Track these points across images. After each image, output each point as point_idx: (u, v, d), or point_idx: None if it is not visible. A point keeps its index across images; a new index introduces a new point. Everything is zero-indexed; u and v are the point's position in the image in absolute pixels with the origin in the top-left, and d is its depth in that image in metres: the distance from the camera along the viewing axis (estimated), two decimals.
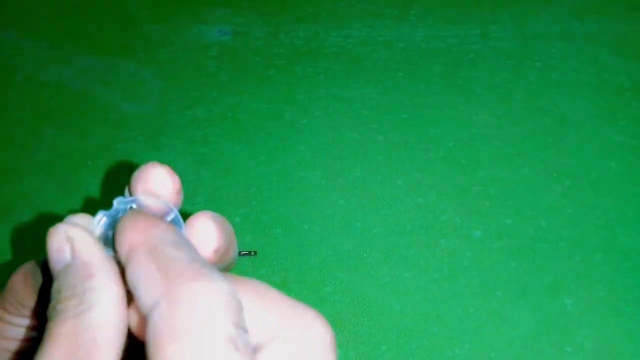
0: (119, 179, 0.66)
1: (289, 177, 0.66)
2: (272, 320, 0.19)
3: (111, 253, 0.20)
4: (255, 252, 0.59)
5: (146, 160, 0.72)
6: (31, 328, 0.24)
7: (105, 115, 0.73)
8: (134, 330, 0.19)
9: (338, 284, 0.57)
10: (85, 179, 0.66)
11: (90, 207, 0.62)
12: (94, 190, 0.65)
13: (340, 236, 0.61)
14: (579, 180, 0.66)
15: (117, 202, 0.21)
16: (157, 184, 0.22)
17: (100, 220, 0.21)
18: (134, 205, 0.21)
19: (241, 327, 0.17)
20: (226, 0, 0.89)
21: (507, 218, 0.62)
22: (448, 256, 0.59)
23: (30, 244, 0.60)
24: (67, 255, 0.19)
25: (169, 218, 0.21)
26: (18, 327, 0.24)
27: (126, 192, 0.23)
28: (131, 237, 0.18)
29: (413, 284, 0.57)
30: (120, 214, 0.21)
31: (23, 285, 0.23)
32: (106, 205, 0.21)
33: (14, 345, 0.24)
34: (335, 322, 0.54)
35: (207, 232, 0.21)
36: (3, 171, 0.66)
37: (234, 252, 0.24)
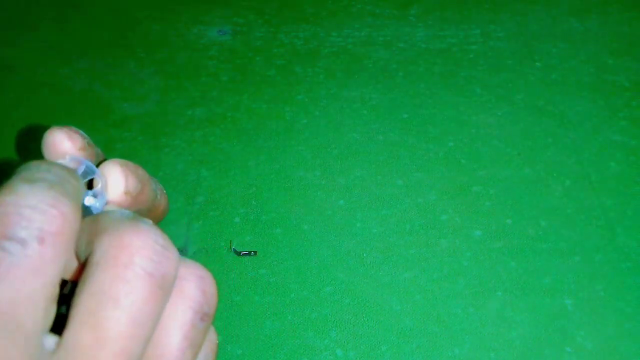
0: None
1: (289, 177, 0.66)
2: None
3: None
4: (255, 252, 0.59)
5: (146, 160, 0.71)
6: None
7: (105, 115, 0.73)
8: None
9: (338, 284, 0.57)
10: None
11: None
12: None
13: (340, 236, 0.61)
14: (579, 180, 0.66)
15: None
16: (58, 147, 0.23)
17: None
18: None
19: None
20: (226, 0, 0.89)
21: (507, 218, 0.62)
22: (448, 256, 0.59)
23: None
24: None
25: (81, 170, 0.23)
26: None
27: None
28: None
29: (413, 284, 0.57)
30: None
31: None
32: None
33: None
34: (335, 322, 0.54)
35: (114, 176, 0.23)
36: (3, 171, 0.66)
37: (150, 194, 0.25)
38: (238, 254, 0.59)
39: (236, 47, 0.82)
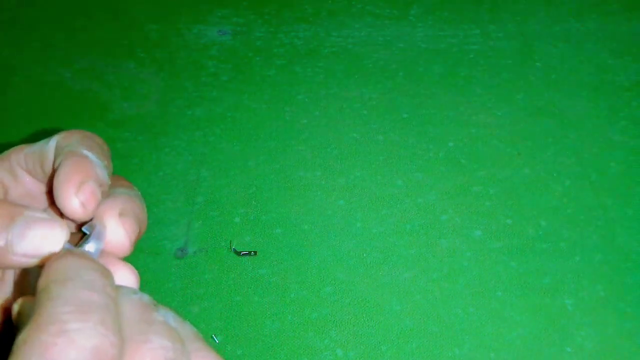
0: None
1: (289, 177, 0.66)
2: None
3: None
4: (255, 252, 0.59)
5: (146, 160, 0.71)
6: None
7: (105, 115, 0.73)
8: None
9: (338, 284, 0.57)
10: None
11: None
12: None
13: (340, 236, 0.61)
14: (579, 180, 0.66)
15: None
16: (78, 215, 0.23)
17: None
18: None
19: None
20: (226, 0, 0.89)
21: (507, 218, 0.62)
22: (448, 256, 0.59)
23: None
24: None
25: (91, 232, 0.23)
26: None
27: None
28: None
29: (413, 284, 0.57)
30: None
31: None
32: None
33: None
34: (335, 322, 0.54)
35: (119, 237, 0.24)
36: None
37: (145, 226, 0.26)
38: (238, 254, 0.59)
39: (236, 47, 0.82)
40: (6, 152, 0.27)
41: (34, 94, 0.75)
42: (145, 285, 0.57)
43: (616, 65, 0.79)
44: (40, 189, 0.28)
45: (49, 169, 0.26)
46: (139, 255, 0.57)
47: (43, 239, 0.22)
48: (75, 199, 0.23)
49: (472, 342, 0.53)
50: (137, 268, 0.26)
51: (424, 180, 0.66)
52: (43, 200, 0.28)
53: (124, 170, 0.67)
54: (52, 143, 0.26)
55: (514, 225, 0.61)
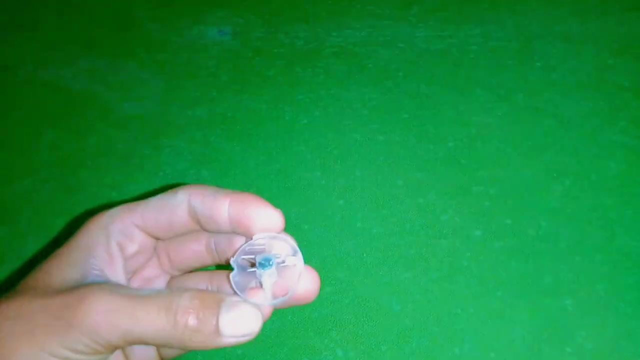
0: (118, 179, 0.66)
1: (289, 177, 0.66)
2: None
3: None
4: None
5: (146, 160, 0.72)
6: None
7: (105, 115, 0.73)
8: None
9: (338, 284, 0.57)
10: (85, 179, 0.66)
11: (90, 207, 0.62)
12: (93, 190, 0.65)
13: (340, 236, 0.61)
14: (579, 181, 0.66)
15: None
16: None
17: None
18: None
19: None
20: (226, 0, 0.89)
21: (507, 218, 0.62)
22: (448, 256, 0.59)
23: (31, 244, 0.60)
24: None
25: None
26: None
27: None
28: None
29: (413, 284, 0.57)
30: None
31: None
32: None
33: None
34: (335, 322, 0.54)
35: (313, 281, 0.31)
36: (3, 171, 0.66)
37: None
38: None
39: (236, 47, 0.82)
40: (116, 214, 0.30)
41: (34, 94, 0.75)
42: None
43: (616, 65, 0.79)
44: (150, 243, 0.32)
45: (179, 225, 0.31)
46: None
47: (247, 320, 0.26)
48: (275, 210, 0.29)
49: (472, 342, 0.53)
50: None
51: (424, 180, 0.66)
52: (151, 253, 0.32)
53: (124, 171, 0.67)
54: (180, 202, 0.30)
55: (514, 226, 0.61)
